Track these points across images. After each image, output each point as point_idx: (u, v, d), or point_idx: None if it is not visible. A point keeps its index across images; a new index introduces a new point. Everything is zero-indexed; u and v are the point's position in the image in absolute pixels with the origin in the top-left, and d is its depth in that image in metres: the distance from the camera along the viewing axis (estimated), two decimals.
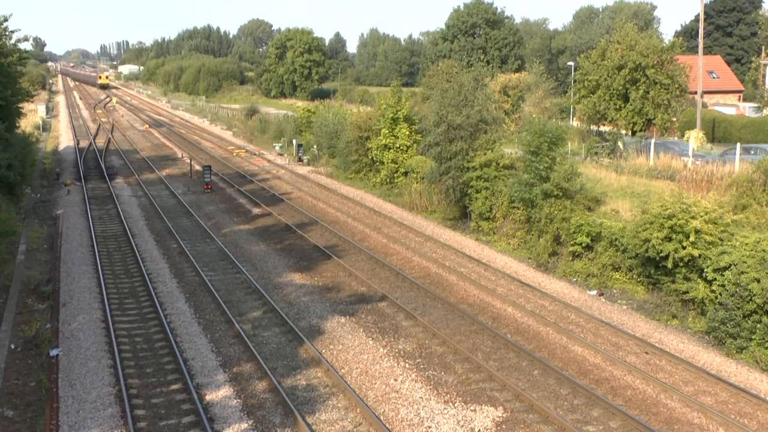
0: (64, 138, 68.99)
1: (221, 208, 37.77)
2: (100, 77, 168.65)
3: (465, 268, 26.39)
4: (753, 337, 18.48)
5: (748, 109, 60.86)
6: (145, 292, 23.44)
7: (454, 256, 27.92)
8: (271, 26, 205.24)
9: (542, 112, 47.25)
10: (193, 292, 23.69)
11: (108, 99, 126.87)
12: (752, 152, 33.10)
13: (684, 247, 20.49)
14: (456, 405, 16.14)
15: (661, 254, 20.99)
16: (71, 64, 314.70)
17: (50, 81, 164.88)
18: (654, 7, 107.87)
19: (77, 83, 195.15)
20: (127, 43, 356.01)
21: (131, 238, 30.08)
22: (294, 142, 55.66)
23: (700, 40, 43.30)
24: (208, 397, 16.31)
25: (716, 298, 19.70)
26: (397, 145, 40.01)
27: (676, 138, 43.16)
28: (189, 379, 16.90)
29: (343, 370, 17.82)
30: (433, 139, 32.52)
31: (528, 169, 27.48)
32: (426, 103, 45.43)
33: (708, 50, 78.57)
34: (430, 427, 15.22)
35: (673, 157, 34.80)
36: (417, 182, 37.25)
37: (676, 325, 20.91)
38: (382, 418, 15.51)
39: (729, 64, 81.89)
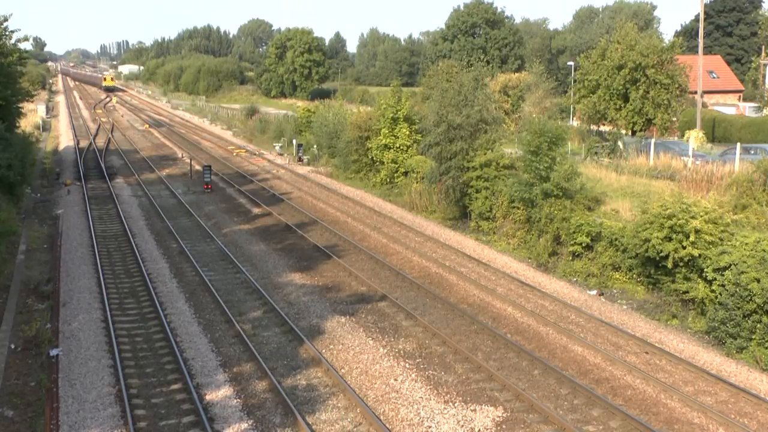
0: (64, 138, 68.99)
1: (221, 208, 37.77)
2: (104, 79, 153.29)
3: (465, 268, 26.39)
4: (753, 337, 18.48)
5: (748, 109, 60.89)
6: (145, 292, 23.43)
7: (454, 256, 27.92)
8: (271, 26, 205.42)
9: (542, 112, 47.23)
10: (193, 292, 23.69)
11: (108, 99, 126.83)
12: (752, 152, 33.10)
13: (684, 247, 20.49)
14: (456, 405, 16.14)
15: (661, 254, 20.99)
16: (71, 64, 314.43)
17: (50, 81, 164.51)
18: (654, 7, 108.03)
19: (77, 83, 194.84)
20: (127, 43, 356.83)
21: (131, 238, 30.08)
22: (294, 142, 55.68)
23: (700, 40, 43.30)
24: (208, 397, 16.31)
25: (716, 298, 19.70)
26: (397, 145, 40.01)
27: (676, 138, 43.16)
28: (189, 379, 16.90)
29: (343, 370, 17.82)
30: (433, 139, 32.53)
31: (528, 169, 27.48)
32: (426, 103, 45.41)
33: (708, 50, 78.55)
34: (430, 426, 15.23)
35: (673, 157, 34.80)
36: (417, 182, 37.25)
37: (676, 325, 20.91)
38: (382, 417, 15.51)
39: (729, 64, 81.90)
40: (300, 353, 18.84)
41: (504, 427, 15.29)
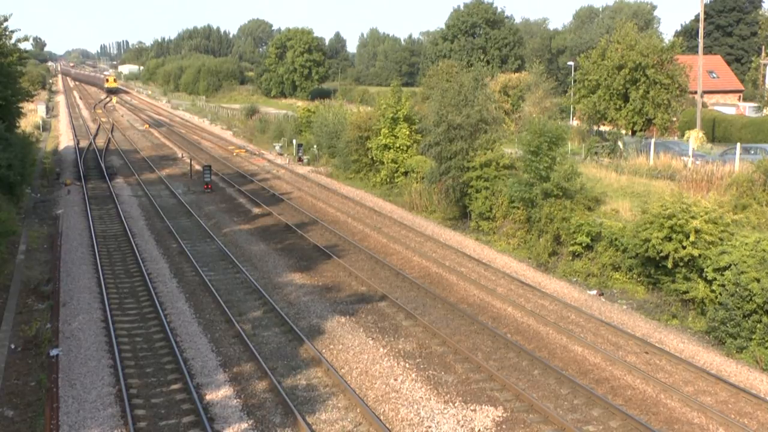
0: (64, 138, 68.99)
1: (221, 208, 37.77)
2: (107, 80, 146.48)
3: (465, 267, 26.39)
4: (753, 336, 18.48)
5: (748, 109, 60.86)
6: (145, 292, 23.43)
7: (454, 255, 27.92)
8: (271, 26, 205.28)
9: (542, 112, 47.20)
10: (193, 292, 23.69)
11: (108, 98, 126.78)
12: (752, 152, 33.08)
13: (684, 247, 20.50)
14: (456, 405, 16.14)
15: (661, 254, 20.99)
16: (71, 64, 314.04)
17: (50, 81, 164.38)
18: (654, 7, 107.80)
19: (78, 83, 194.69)
20: (127, 43, 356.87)
21: (131, 238, 30.08)
22: (294, 141, 55.68)
23: (700, 40, 43.29)
24: (208, 397, 16.31)
25: (716, 297, 19.70)
26: (397, 145, 40.01)
27: (676, 138, 43.14)
28: (189, 378, 16.90)
29: (343, 370, 17.82)
30: (433, 138, 32.54)
31: (528, 169, 27.48)
32: (426, 103, 45.40)
33: (708, 50, 78.55)
34: (430, 426, 15.23)
35: (673, 157, 34.78)
36: (417, 182, 37.25)
37: (676, 325, 20.91)
38: (382, 417, 15.51)
39: (729, 64, 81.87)
40: (300, 353, 18.84)
41: (504, 427, 15.29)
